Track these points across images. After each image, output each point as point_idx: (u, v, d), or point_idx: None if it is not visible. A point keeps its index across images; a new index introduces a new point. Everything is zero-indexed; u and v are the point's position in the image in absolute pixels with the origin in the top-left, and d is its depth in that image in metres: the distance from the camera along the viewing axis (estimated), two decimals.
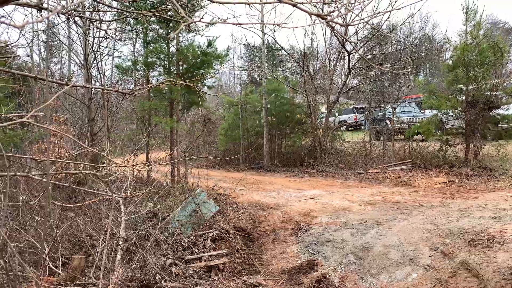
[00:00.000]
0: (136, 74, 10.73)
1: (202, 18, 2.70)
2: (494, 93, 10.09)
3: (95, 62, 11.55)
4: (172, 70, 10.30)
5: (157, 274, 4.62)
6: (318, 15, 1.41)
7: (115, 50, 12.90)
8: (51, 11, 3.22)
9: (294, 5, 1.42)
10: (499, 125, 10.71)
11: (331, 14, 1.38)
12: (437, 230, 5.10)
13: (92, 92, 11.66)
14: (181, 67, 10.53)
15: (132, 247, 5.28)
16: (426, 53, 17.38)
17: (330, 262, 4.97)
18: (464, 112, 10.52)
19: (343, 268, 4.74)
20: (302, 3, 2.03)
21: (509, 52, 10.24)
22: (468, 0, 10.17)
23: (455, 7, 10.20)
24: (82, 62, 11.80)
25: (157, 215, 6.54)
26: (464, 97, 10.47)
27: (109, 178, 3.66)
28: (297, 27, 2.09)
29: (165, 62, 10.14)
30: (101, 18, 5.97)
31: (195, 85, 8.60)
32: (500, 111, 10.45)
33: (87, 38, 10.94)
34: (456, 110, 10.80)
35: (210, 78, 10.65)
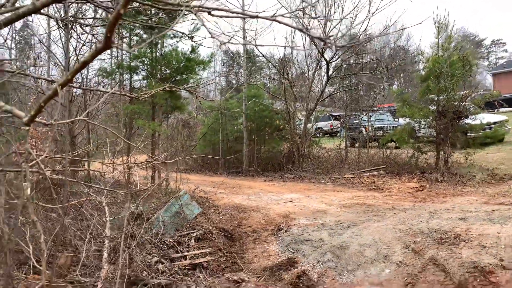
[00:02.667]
0: (119, 78, 10.79)
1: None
2: (463, 104, 10.69)
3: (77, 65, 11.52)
4: (156, 74, 10.43)
5: (144, 271, 4.78)
6: (320, 39, 1.65)
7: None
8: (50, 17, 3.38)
9: (301, 30, 1.67)
10: (468, 134, 11.30)
11: (330, 37, 1.62)
12: (408, 230, 5.46)
13: (73, 94, 11.63)
14: (164, 72, 10.68)
15: (118, 246, 5.40)
16: (401, 63, 18.08)
17: (309, 259, 5.25)
18: (435, 121, 11.07)
19: (321, 265, 5.02)
20: (282, 15, 2.30)
21: (477, 65, 10.87)
22: (440, 15, 10.78)
23: (428, 20, 10.79)
24: (64, 65, 11.76)
25: (140, 216, 6.68)
26: (435, 107, 11.02)
27: (105, 178, 3.83)
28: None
29: (149, 67, 10.27)
30: (90, 23, 6.11)
31: (178, 89, 8.79)
32: (468, 120, 11.04)
33: (70, 41, 10.95)
34: (427, 119, 11.33)
35: (206, 84, 10.83)
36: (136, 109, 10.11)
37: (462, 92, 10.50)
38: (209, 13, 2.83)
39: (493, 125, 11.25)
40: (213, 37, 1.68)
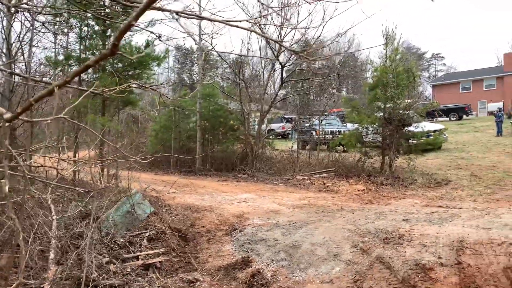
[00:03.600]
0: (68, 69, 10.30)
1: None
2: (407, 112, 11.39)
3: (19, 52, 10.84)
4: (107, 67, 10.09)
5: (94, 272, 4.61)
6: (294, 52, 1.73)
7: (38, 40, 12.15)
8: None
9: (280, 43, 1.73)
10: (410, 140, 12.04)
11: (304, 51, 1.70)
12: (357, 230, 5.74)
13: (15, 83, 10.89)
14: (116, 65, 10.35)
15: (66, 246, 5.18)
16: (351, 71, 18.87)
17: (263, 259, 5.35)
18: (381, 127, 11.70)
19: (275, 264, 5.15)
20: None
21: (419, 76, 11.62)
22: (388, 28, 11.40)
23: (377, 29, 11.40)
24: (4, 52, 10.99)
25: (89, 215, 6.42)
26: (382, 114, 11.64)
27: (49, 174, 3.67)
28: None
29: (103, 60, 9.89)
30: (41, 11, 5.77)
31: (143, 87, 8.58)
32: (411, 128, 11.77)
33: (12, 26, 10.26)
34: (374, 125, 11.94)
35: (167, 84, 10.60)
36: (85, 103, 9.68)
37: (406, 101, 11.17)
38: (177, 13, 2.83)
39: (433, 133, 12.10)
40: (197, 45, 1.70)
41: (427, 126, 12.92)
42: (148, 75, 11.31)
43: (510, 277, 3.70)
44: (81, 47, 9.92)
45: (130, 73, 10.67)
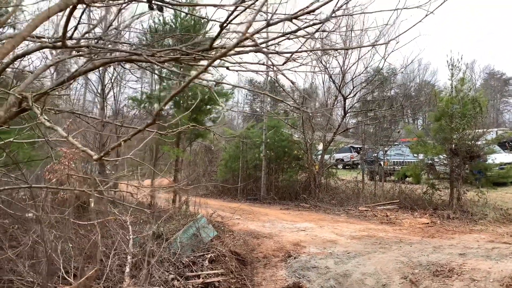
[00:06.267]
0: (149, 106, 11.68)
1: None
2: (476, 143, 10.96)
3: (110, 92, 12.62)
4: (182, 104, 11.25)
5: (161, 286, 5.29)
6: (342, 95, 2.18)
7: (126, 81, 13.99)
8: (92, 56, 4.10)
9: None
10: (480, 173, 11.46)
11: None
12: (409, 262, 5.79)
13: (105, 119, 12.63)
14: (190, 102, 11.49)
15: (139, 262, 5.96)
16: (412, 103, 18.35)
17: (313, 285, 5.64)
18: (449, 159, 11.34)
19: None
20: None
21: (487, 107, 11.19)
22: (453, 58, 11.23)
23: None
24: (99, 91, 12.88)
25: (160, 236, 7.24)
26: (448, 145, 11.31)
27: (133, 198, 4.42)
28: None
29: (177, 97, 11.10)
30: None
31: (197, 128, 9.50)
32: (481, 160, 11.24)
33: (106, 71, 12.04)
34: (441, 157, 11.61)
35: (218, 117, 11.56)
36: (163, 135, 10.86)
37: (474, 131, 10.78)
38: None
39: (505, 166, 11.40)
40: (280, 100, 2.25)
41: (499, 158, 12.20)
42: (218, 110, 12.37)
43: None
44: (161, 88, 11.24)
45: (201, 108, 11.74)
